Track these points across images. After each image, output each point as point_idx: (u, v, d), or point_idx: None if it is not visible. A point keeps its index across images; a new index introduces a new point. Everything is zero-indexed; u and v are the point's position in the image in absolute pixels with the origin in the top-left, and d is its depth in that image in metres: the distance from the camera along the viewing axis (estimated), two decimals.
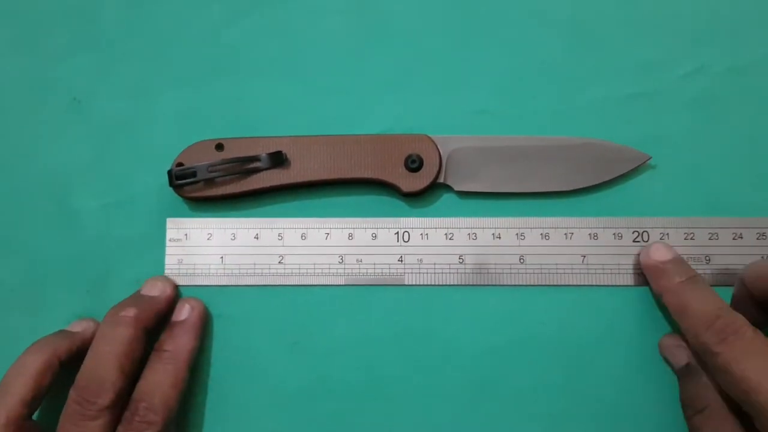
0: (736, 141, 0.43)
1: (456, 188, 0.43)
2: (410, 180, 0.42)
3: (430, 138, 0.42)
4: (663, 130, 0.43)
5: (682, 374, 0.39)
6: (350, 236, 0.42)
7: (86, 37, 0.46)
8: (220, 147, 0.42)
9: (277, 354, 0.42)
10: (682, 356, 0.40)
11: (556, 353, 0.41)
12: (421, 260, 0.42)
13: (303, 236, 0.42)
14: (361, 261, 0.42)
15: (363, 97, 0.44)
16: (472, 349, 0.42)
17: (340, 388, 0.41)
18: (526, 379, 0.41)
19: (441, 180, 0.43)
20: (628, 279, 0.41)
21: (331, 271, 0.42)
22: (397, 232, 0.42)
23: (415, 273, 0.42)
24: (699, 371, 0.38)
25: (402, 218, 0.43)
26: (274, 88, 0.45)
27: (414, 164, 0.42)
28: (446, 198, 0.44)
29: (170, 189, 0.42)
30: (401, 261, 0.42)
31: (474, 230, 0.42)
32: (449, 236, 0.42)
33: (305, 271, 0.42)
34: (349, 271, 0.42)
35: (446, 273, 0.42)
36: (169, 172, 0.42)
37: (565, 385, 0.41)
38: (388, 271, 0.42)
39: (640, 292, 0.42)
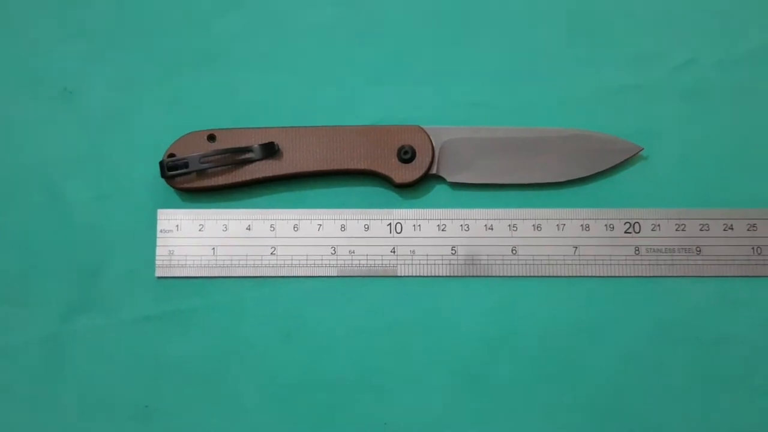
0: (727, 132, 0.43)
1: (449, 179, 0.43)
2: (403, 171, 0.42)
3: (422, 129, 0.42)
4: (655, 122, 0.44)
5: None
6: (343, 227, 0.42)
7: (77, 27, 0.45)
8: (212, 138, 0.42)
9: (269, 345, 0.42)
10: None
11: (548, 344, 0.41)
12: (413, 251, 0.42)
13: (295, 227, 0.42)
14: (353, 252, 0.42)
15: (356, 88, 0.44)
16: (465, 339, 0.42)
17: (332, 378, 0.41)
18: (518, 369, 0.41)
19: (434, 171, 0.43)
20: (620, 270, 0.42)
21: (324, 262, 0.42)
22: (390, 224, 0.42)
23: (408, 264, 0.42)
24: None
25: (394, 210, 0.43)
26: (267, 78, 0.44)
27: (407, 155, 0.42)
28: (439, 189, 0.44)
29: (162, 180, 0.42)
30: (394, 252, 0.42)
31: (466, 221, 0.42)
32: (442, 227, 0.42)
33: (297, 262, 0.42)
34: (342, 262, 0.42)
35: (439, 264, 0.42)
36: (161, 163, 0.42)
37: (557, 376, 0.41)
38: (380, 262, 0.42)
39: (631, 282, 0.42)
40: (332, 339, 0.42)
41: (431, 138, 0.42)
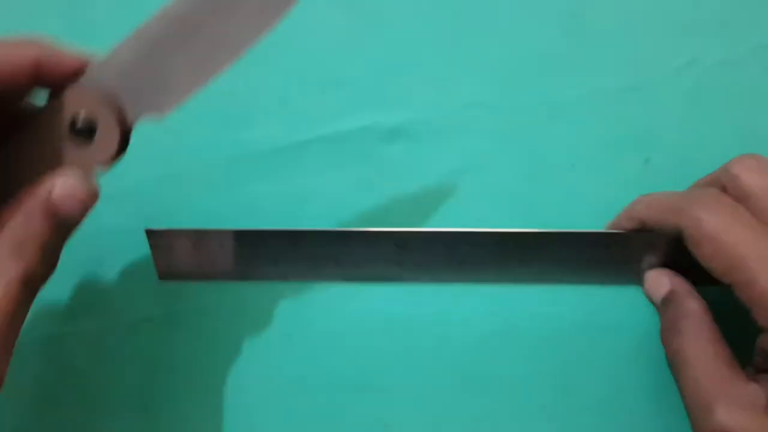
0: (730, 134, 0.43)
1: None
2: None
3: None
4: (656, 123, 0.43)
5: (664, 303, 0.39)
6: None
7: (78, 28, 0.45)
8: None
9: (270, 346, 0.42)
10: (664, 283, 0.39)
11: (549, 346, 0.41)
12: None
13: None
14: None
15: (355, 88, 0.44)
16: (465, 341, 0.42)
17: (332, 381, 0.42)
18: (518, 370, 0.41)
19: None
20: None
21: None
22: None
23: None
24: (679, 296, 0.38)
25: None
26: (266, 79, 0.44)
27: None
28: None
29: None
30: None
31: None
32: None
33: None
34: None
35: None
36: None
37: (558, 377, 0.41)
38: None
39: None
40: (332, 340, 0.42)
41: None
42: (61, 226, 0.30)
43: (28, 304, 0.30)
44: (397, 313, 0.42)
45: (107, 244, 0.43)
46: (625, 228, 0.39)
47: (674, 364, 0.37)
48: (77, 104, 0.30)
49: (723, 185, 0.37)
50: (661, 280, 0.39)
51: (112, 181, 0.43)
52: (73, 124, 0.30)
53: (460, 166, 0.43)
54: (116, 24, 0.45)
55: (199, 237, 0.40)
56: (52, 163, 0.30)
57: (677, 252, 0.38)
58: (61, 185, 0.29)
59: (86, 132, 0.30)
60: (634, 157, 0.43)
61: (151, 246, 0.39)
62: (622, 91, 0.44)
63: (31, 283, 0.30)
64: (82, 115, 0.30)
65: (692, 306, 0.37)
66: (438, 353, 0.42)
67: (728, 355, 0.35)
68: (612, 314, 0.42)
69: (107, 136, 0.30)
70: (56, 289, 0.42)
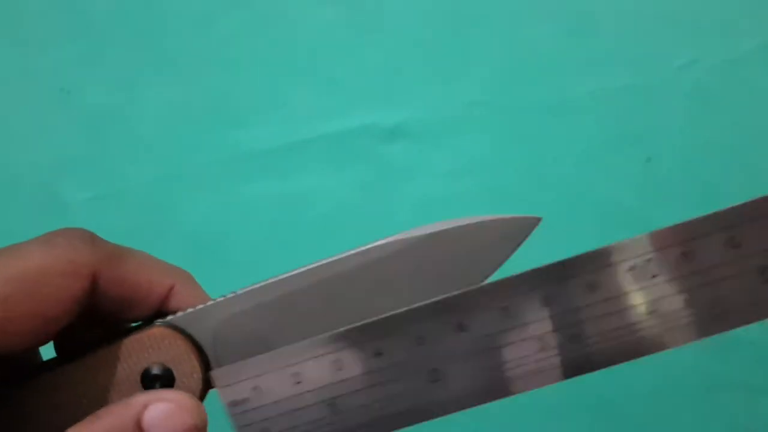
0: (731, 133, 0.43)
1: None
2: None
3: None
4: (658, 122, 0.43)
5: None
6: None
7: (75, 27, 0.45)
8: None
9: None
10: None
11: None
12: None
13: None
14: None
15: (355, 88, 0.44)
16: None
17: None
18: None
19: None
20: None
21: None
22: None
23: None
24: None
25: None
26: (266, 79, 0.44)
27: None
28: None
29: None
30: None
31: None
32: None
33: None
34: None
35: None
36: None
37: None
38: None
39: None
40: None
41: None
42: None
43: None
44: None
45: None
46: None
47: None
48: (157, 351, 0.23)
49: None
50: None
51: (112, 181, 0.44)
52: (145, 372, 0.22)
53: (460, 166, 0.43)
54: (111, 25, 0.46)
55: None
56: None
57: None
58: (157, 408, 0.21)
59: (156, 382, 0.22)
60: (635, 157, 0.43)
61: None
62: (622, 91, 0.44)
63: None
64: (159, 365, 0.22)
65: None
66: None
67: None
68: None
69: (185, 388, 0.23)
70: None
